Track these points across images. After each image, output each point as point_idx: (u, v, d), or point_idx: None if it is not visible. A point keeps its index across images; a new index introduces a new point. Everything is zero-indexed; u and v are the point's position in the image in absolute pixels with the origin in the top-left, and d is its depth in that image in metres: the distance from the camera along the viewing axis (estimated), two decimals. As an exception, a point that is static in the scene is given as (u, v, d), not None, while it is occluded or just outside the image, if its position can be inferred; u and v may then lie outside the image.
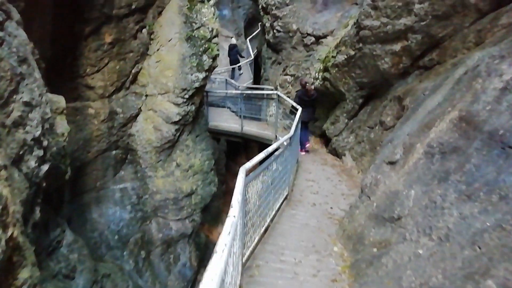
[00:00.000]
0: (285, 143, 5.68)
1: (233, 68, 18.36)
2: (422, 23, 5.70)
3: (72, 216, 9.73)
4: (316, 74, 8.88)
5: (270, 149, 4.61)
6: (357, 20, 6.51)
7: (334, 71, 7.67)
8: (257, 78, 15.95)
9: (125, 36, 8.72)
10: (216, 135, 12.32)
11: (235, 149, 19.83)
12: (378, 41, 6.34)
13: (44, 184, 4.13)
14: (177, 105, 10.06)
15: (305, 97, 7.71)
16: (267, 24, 11.91)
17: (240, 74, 18.59)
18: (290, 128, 9.27)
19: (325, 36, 9.96)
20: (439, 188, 3.14)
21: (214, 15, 10.74)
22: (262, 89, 11.62)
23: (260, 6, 12.58)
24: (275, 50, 11.84)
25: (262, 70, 13.45)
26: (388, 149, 4.98)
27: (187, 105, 10.25)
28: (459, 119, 3.28)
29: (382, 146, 5.35)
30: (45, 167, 3.94)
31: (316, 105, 8.03)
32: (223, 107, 13.96)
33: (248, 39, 20.47)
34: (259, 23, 20.21)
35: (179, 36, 9.66)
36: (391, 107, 6.66)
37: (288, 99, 8.33)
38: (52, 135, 5.08)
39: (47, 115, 4.08)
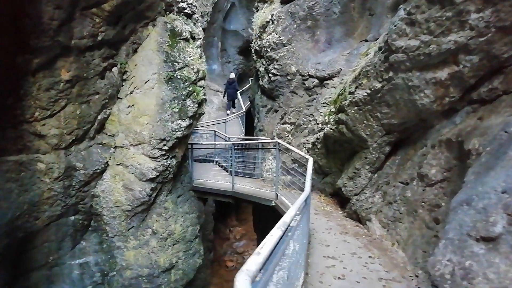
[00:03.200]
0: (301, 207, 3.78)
1: (231, 101, 18.74)
2: (481, 39, 4.16)
3: (13, 303, 7.35)
4: (326, 117, 7.23)
5: (287, 218, 2.71)
6: (386, 41, 4.98)
7: (353, 111, 6.01)
8: (250, 133, 14.41)
9: (89, 74, 7.05)
10: (202, 194, 10.32)
11: (224, 209, 17.69)
12: (416, 68, 4.75)
13: None
14: (154, 158, 8.21)
15: None
16: (261, 69, 10.55)
17: (234, 109, 18.61)
18: (291, 185, 7.47)
19: (330, 77, 8.51)
20: None
21: (200, 55, 9.34)
22: (257, 140, 9.96)
23: (252, 50, 11.34)
24: (271, 97, 10.35)
25: (256, 120, 11.87)
26: (468, 216, 3.12)
27: (167, 158, 8.42)
28: None
29: (451, 210, 3.48)
30: None
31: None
32: (211, 161, 12.15)
33: (238, 93, 19.35)
34: (250, 78, 19.32)
35: (157, 77, 8.09)
36: (435, 156, 4.92)
37: (292, 148, 6.56)
38: None
39: None
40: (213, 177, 10.10)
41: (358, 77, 5.84)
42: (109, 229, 8.52)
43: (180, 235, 9.55)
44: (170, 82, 8.23)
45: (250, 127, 15.32)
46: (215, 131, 13.09)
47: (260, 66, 10.65)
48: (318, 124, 8.11)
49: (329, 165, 7.60)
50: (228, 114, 17.93)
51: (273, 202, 7.29)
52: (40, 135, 6.77)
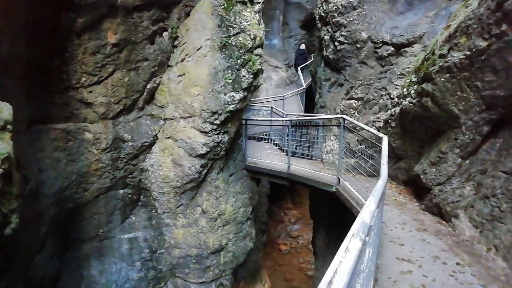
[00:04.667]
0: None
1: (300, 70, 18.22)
2: None
3: (63, 271, 7.34)
4: (404, 90, 5.97)
5: (367, 217, 1.80)
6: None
7: (443, 80, 4.74)
8: (310, 111, 13.34)
9: (137, 38, 6.51)
10: (256, 175, 9.60)
11: (278, 191, 16.99)
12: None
13: None
14: (205, 133, 7.59)
15: None
16: (326, 37, 9.36)
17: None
18: (356, 169, 6.40)
19: (410, 44, 7.13)
20: None
21: (258, 21, 8.41)
22: (318, 116, 8.91)
23: (317, 17, 10.14)
24: (336, 69, 9.16)
25: (317, 96, 10.77)
26: None
27: (218, 134, 7.75)
28: None
29: None
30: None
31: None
32: (267, 140, 11.35)
33: (299, 68, 18.20)
34: (312, 55, 18.24)
35: (210, 44, 7.35)
36: None
37: (361, 124, 5.47)
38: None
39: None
40: (267, 156, 9.30)
41: (453, 35, 4.53)
42: (158, 205, 8.19)
43: (231, 216, 9.00)
44: (224, 50, 7.46)
45: (310, 106, 14.22)
46: (272, 107, 12.19)
47: (325, 35, 9.46)
48: (392, 98, 6.83)
49: (404, 147, 6.36)
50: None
51: (334, 187, 6.31)
52: (87, 103, 6.43)
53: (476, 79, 4.37)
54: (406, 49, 7.18)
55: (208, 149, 7.73)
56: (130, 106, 7.12)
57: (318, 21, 10.01)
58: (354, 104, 8.25)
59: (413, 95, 5.54)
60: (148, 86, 7.22)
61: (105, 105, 6.61)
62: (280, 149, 10.48)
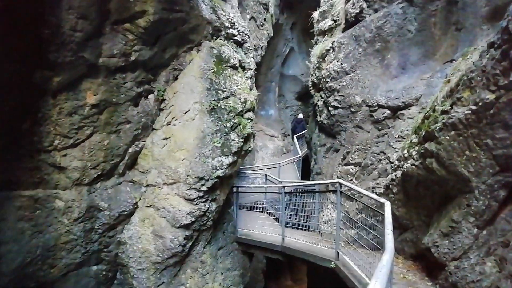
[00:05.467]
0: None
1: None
2: None
3: None
4: (405, 152, 5.46)
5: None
6: (505, 29, 3.36)
7: (448, 138, 4.26)
8: (307, 178, 12.81)
9: (119, 99, 6.19)
10: (248, 248, 8.71)
11: (276, 266, 15.65)
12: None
13: None
14: (190, 201, 6.96)
15: None
16: (319, 103, 9.16)
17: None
18: (357, 242, 5.62)
19: (406, 107, 6.83)
20: None
21: (250, 87, 8.26)
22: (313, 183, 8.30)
23: (310, 84, 10.08)
24: (331, 134, 8.80)
25: (312, 163, 10.28)
26: None
27: (205, 201, 7.13)
28: None
29: None
30: None
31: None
32: (261, 210, 10.61)
33: (295, 137, 18.11)
34: (307, 124, 18.39)
35: (199, 107, 7.06)
36: None
37: (359, 189, 4.88)
38: None
39: None
40: (260, 227, 8.52)
41: (455, 90, 4.15)
42: (136, 283, 7.20)
43: (219, 296, 7.93)
44: (213, 113, 7.16)
45: (307, 174, 13.73)
46: (266, 175, 11.65)
47: (318, 100, 9.28)
48: (392, 162, 6.31)
49: (409, 215, 5.67)
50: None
51: (332, 263, 5.51)
52: (60, 167, 5.88)
53: (485, 137, 3.88)
54: (403, 111, 6.86)
55: (193, 219, 7.02)
56: (109, 171, 6.57)
57: (311, 88, 9.91)
58: (351, 170, 7.72)
59: (415, 156, 5.02)
60: (130, 150, 6.75)
61: (80, 170, 6.06)
62: (275, 219, 9.71)
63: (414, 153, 5.05)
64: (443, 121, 4.23)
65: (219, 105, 7.22)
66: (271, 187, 9.61)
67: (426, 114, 4.85)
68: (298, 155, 16.09)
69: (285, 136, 22.05)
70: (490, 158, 4.00)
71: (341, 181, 5.31)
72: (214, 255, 7.98)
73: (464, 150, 4.15)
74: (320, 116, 9.10)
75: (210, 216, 7.32)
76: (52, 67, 5.10)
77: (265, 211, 10.60)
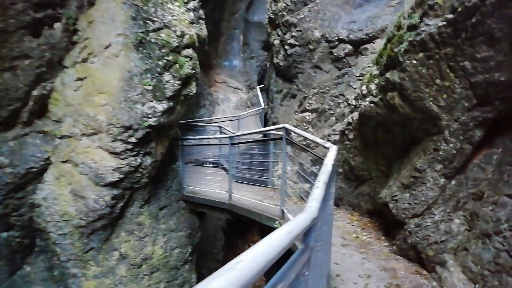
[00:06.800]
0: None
1: None
2: None
3: None
4: (363, 87, 4.49)
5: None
6: None
7: (414, 62, 3.27)
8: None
9: (8, 26, 4.79)
10: (196, 207, 7.80)
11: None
12: None
13: None
14: (116, 154, 5.81)
15: None
16: (276, 42, 7.96)
17: None
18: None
19: (370, 39, 5.79)
20: None
21: (192, 21, 6.92)
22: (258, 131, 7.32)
23: (266, 21, 8.79)
24: (288, 78, 7.71)
25: (269, 112, 9.28)
26: None
27: (136, 155, 5.99)
28: None
29: None
30: None
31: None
32: (216, 166, 9.65)
33: (258, 88, 16.95)
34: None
35: (123, 41, 5.72)
36: None
37: (303, 132, 3.91)
38: None
39: None
40: (209, 184, 7.57)
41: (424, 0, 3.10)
42: (60, 250, 6.16)
43: (161, 261, 7.10)
44: (141, 48, 5.86)
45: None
46: (220, 127, 10.56)
47: (274, 39, 8.07)
48: (350, 104, 5.37)
49: (366, 165, 4.80)
50: None
51: (277, 222, 4.65)
52: None
53: (463, 57, 2.91)
54: (367, 46, 5.83)
55: (122, 176, 5.92)
56: (7, 120, 5.28)
57: (267, 25, 8.64)
58: (308, 117, 6.75)
59: (374, 92, 4.04)
60: (35, 92, 5.42)
61: (-37, 118, 4.76)
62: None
63: (373, 87, 4.07)
64: (410, 39, 3.20)
65: (148, 38, 5.90)
66: (217, 138, 8.57)
67: (390, 35, 3.81)
68: (261, 107, 15.01)
69: (250, 89, 20.80)
70: (467, 87, 3.06)
71: (287, 126, 4.34)
72: (154, 216, 7.03)
73: (434, 78, 3.18)
74: (277, 57, 7.95)
75: (144, 172, 6.25)
76: None
77: (220, 166, 9.65)
